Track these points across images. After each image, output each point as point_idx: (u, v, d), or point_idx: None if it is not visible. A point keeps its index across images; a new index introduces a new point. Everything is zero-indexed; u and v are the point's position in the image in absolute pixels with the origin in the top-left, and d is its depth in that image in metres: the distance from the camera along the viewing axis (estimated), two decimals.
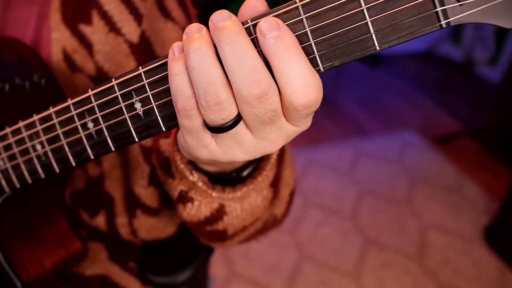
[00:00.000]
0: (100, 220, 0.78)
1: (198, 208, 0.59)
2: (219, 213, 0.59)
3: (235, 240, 0.67)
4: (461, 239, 2.11)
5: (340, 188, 2.40)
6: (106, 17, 0.68)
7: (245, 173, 0.58)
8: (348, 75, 3.60)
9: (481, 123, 2.95)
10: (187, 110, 0.40)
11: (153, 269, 0.82)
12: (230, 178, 0.58)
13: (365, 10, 0.35)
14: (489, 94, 3.40)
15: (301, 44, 0.37)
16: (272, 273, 1.92)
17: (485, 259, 2.01)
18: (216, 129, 0.40)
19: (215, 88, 0.37)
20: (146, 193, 0.76)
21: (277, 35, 0.36)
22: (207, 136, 0.42)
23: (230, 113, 0.39)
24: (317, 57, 0.37)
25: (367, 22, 0.35)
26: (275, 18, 0.36)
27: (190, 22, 0.76)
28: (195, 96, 0.40)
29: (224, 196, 0.57)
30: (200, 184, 0.56)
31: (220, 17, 0.36)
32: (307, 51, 0.37)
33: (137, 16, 0.69)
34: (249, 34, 0.38)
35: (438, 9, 0.33)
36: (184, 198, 0.59)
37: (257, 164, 0.58)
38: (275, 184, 0.61)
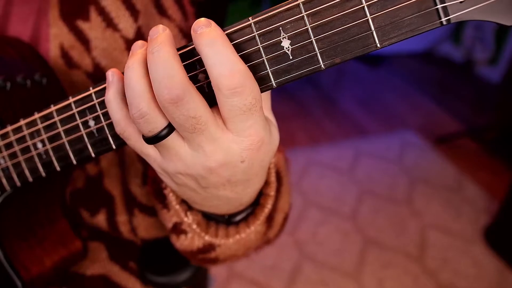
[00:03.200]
0: (100, 219, 0.78)
1: (191, 240, 0.61)
2: (211, 245, 0.61)
3: (226, 262, 0.69)
4: (461, 239, 2.11)
5: (340, 188, 2.40)
6: (103, 13, 0.68)
7: (238, 218, 0.60)
8: (348, 75, 3.60)
9: (481, 123, 2.96)
10: (121, 133, 0.44)
11: (153, 269, 0.82)
12: (222, 220, 0.60)
13: (365, 8, 0.35)
14: (489, 94, 3.40)
15: (302, 41, 0.38)
16: (272, 273, 1.92)
17: (485, 259, 2.01)
18: (148, 140, 0.42)
19: (137, 101, 0.40)
20: (142, 192, 0.76)
21: (206, 29, 0.38)
22: (149, 149, 0.45)
23: (155, 126, 0.41)
24: (318, 54, 0.37)
25: (367, 20, 0.35)
26: (207, 19, 0.39)
27: (186, 20, 0.76)
28: (126, 119, 0.43)
29: (216, 241, 0.59)
30: (194, 226, 0.58)
31: (155, 30, 0.39)
32: (308, 49, 0.38)
33: (134, 12, 0.69)
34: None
35: (439, 6, 0.33)
36: (178, 230, 0.61)
37: (252, 209, 0.60)
38: (270, 219, 0.62)
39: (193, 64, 0.42)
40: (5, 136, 0.55)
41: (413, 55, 3.86)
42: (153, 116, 0.40)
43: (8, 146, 0.56)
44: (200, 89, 0.42)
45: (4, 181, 0.58)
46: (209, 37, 0.38)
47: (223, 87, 0.38)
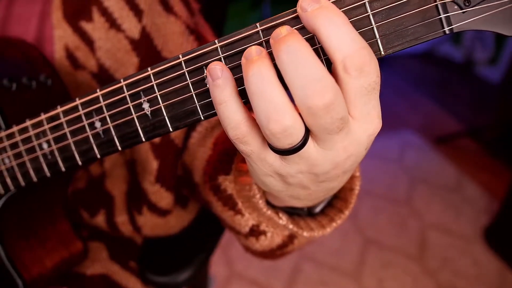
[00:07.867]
0: (100, 219, 0.78)
1: (271, 238, 0.58)
2: (290, 238, 0.58)
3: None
4: (461, 239, 2.11)
5: None
6: (106, 14, 0.68)
7: (317, 209, 0.56)
8: None
9: (481, 123, 2.95)
10: (239, 138, 0.38)
11: (153, 268, 0.83)
12: (300, 213, 0.56)
13: (371, 16, 0.35)
14: (489, 94, 3.40)
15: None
16: (272, 273, 1.92)
17: (485, 259, 2.01)
18: (282, 152, 0.37)
19: (278, 115, 0.34)
20: (153, 190, 0.76)
21: (319, 6, 0.34)
22: (270, 155, 0.39)
23: (297, 137, 0.35)
24: (323, 61, 0.38)
25: (373, 28, 0.36)
26: None
27: (192, 16, 0.77)
28: (247, 121, 0.37)
29: (315, 234, 0.54)
30: (291, 226, 0.53)
31: (279, 31, 0.34)
32: None
33: (137, 12, 0.69)
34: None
35: (442, 16, 0.34)
36: (257, 232, 0.58)
37: (336, 194, 0.56)
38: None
39: None
40: (11, 136, 0.56)
41: (413, 55, 3.87)
42: (295, 129, 0.34)
43: (14, 146, 0.56)
44: None
45: (8, 180, 0.59)
46: (327, 15, 0.33)
47: (351, 67, 0.33)
